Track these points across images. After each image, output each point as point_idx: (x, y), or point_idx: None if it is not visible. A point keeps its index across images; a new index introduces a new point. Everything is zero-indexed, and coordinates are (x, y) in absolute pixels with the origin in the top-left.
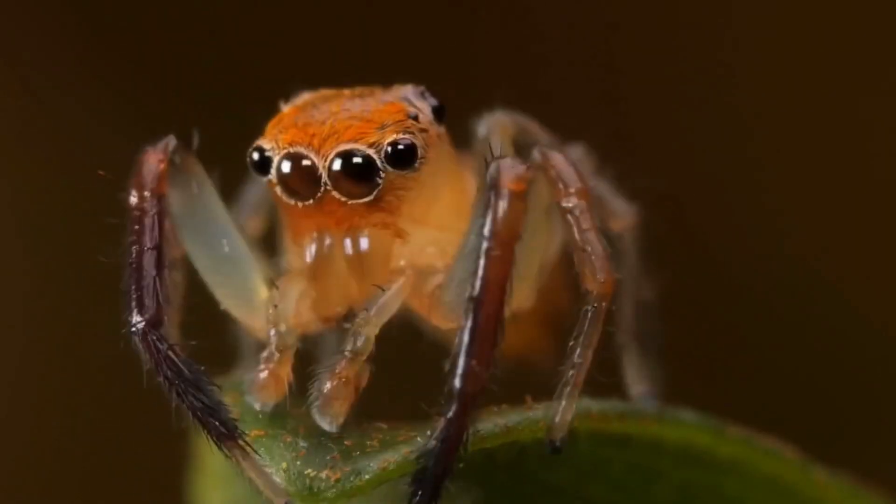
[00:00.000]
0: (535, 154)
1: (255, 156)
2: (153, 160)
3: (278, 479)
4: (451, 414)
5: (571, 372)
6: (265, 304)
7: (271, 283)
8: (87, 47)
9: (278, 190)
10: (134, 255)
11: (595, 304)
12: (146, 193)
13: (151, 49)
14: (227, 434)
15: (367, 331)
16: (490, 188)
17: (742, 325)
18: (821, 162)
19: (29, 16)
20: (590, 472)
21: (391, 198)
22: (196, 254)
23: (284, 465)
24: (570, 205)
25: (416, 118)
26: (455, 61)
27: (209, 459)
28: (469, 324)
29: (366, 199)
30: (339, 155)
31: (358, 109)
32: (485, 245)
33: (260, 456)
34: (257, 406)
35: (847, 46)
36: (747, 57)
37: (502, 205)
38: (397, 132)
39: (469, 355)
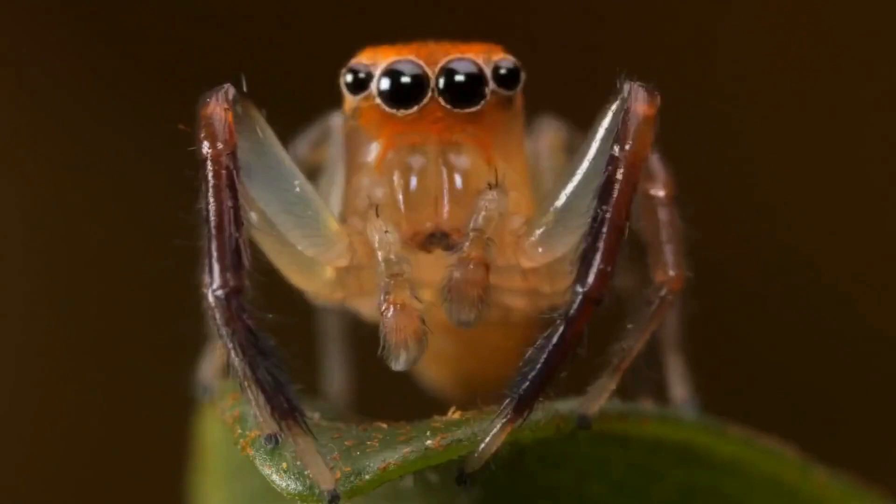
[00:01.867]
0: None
1: (351, 76)
2: (219, 110)
3: (277, 478)
4: (572, 313)
5: (618, 356)
6: (340, 235)
7: (343, 218)
8: (88, 47)
9: (378, 101)
10: (214, 214)
11: (661, 296)
12: (219, 145)
13: (152, 49)
14: (289, 412)
15: (490, 208)
16: (622, 108)
17: (742, 326)
18: (820, 160)
19: (29, 15)
20: (590, 472)
21: (490, 119)
22: (267, 198)
23: (284, 465)
24: (660, 194)
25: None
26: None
27: (210, 459)
28: (600, 230)
29: (471, 109)
30: (450, 62)
31: (450, 42)
32: (623, 153)
33: (317, 440)
34: (402, 363)
35: (845, 41)
36: (742, 54)
37: (635, 121)
38: (503, 55)
39: (601, 259)
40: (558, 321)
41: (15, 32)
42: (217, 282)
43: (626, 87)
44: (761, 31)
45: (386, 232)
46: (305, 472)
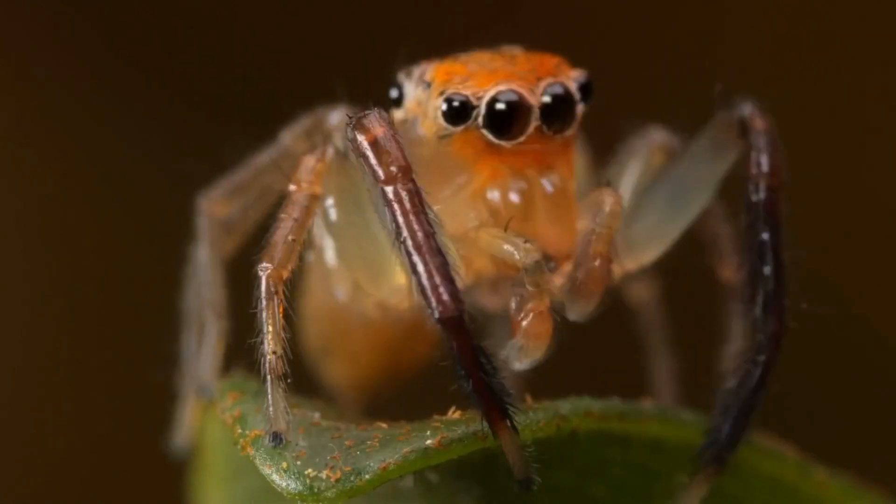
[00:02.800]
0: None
1: (447, 105)
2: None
3: (277, 478)
4: (766, 357)
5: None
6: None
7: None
8: (88, 47)
9: (485, 133)
10: (419, 244)
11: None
12: (395, 172)
13: (152, 50)
14: (503, 417)
15: (613, 204)
16: (742, 127)
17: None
18: (819, 158)
19: (30, 17)
20: (590, 472)
21: (572, 138)
22: (348, 229)
23: (284, 465)
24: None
25: None
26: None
27: (210, 459)
28: (768, 265)
29: (568, 133)
30: (549, 87)
31: (522, 55)
32: (764, 182)
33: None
34: (525, 364)
35: (855, 44)
36: (746, 55)
37: (765, 142)
38: (570, 69)
39: (779, 294)
40: (751, 367)
41: (15, 33)
42: (439, 309)
43: (746, 107)
44: (766, 32)
45: (526, 242)
46: (305, 473)
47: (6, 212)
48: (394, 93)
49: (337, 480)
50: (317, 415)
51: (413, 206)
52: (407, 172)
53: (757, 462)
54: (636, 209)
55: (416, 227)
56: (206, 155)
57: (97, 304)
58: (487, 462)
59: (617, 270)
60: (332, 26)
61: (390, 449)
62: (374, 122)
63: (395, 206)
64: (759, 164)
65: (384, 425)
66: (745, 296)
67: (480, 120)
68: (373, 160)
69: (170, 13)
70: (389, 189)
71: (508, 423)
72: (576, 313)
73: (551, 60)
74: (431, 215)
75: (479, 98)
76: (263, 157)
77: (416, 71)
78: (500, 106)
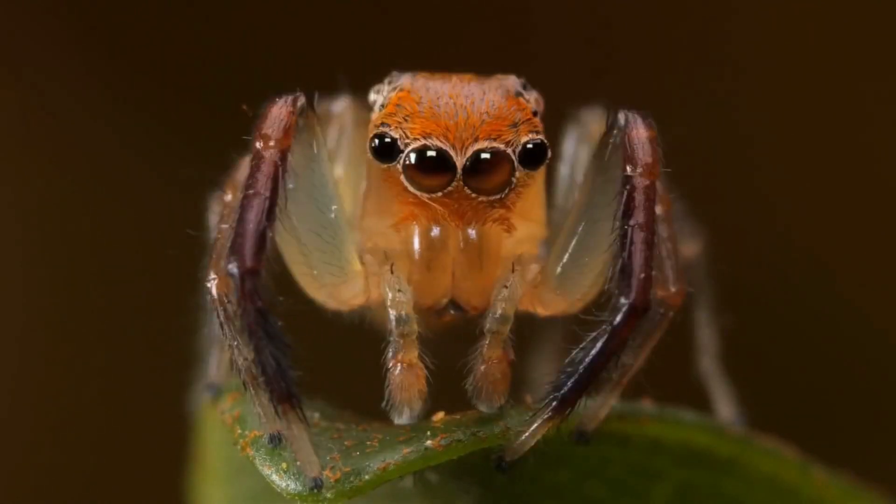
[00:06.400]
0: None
1: (378, 142)
2: (283, 112)
3: (277, 478)
4: (617, 322)
5: (619, 372)
6: (358, 275)
7: (364, 258)
8: (88, 48)
9: (402, 178)
10: (246, 200)
11: (661, 312)
12: (271, 143)
13: (152, 50)
14: (287, 397)
15: (506, 307)
16: (623, 133)
17: (742, 326)
18: (822, 157)
19: (30, 17)
20: (590, 472)
21: (513, 195)
22: (301, 212)
23: (284, 465)
24: (658, 211)
25: (535, 114)
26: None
27: (210, 459)
28: (633, 242)
29: (499, 196)
30: (478, 152)
31: (484, 104)
32: (637, 171)
33: (309, 425)
34: (405, 418)
35: (853, 41)
36: (749, 52)
37: (640, 140)
38: (529, 131)
39: (640, 269)
40: (605, 326)
41: (16, 33)
42: (234, 262)
43: (622, 116)
44: (770, 33)
45: (399, 291)
46: (295, 460)
47: (5, 212)
48: (371, 97)
49: (336, 481)
50: (316, 415)
51: (268, 169)
52: (280, 143)
53: (757, 462)
54: (557, 246)
55: (260, 186)
56: (207, 156)
57: (95, 304)
58: (487, 462)
59: (543, 312)
60: (334, 29)
61: (390, 449)
62: (281, 103)
63: (253, 162)
64: (634, 158)
65: (384, 426)
66: (613, 274)
67: (400, 167)
68: (258, 129)
69: (170, 13)
70: (255, 148)
71: (296, 408)
72: (485, 407)
73: (508, 117)
74: (282, 191)
75: (406, 144)
76: None
77: (393, 83)
78: (421, 160)
